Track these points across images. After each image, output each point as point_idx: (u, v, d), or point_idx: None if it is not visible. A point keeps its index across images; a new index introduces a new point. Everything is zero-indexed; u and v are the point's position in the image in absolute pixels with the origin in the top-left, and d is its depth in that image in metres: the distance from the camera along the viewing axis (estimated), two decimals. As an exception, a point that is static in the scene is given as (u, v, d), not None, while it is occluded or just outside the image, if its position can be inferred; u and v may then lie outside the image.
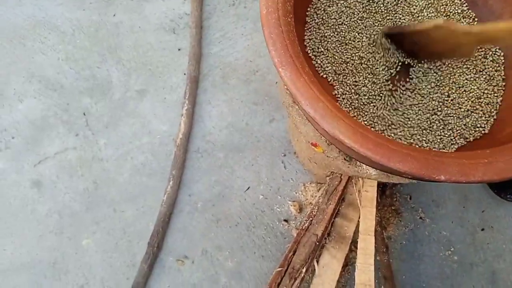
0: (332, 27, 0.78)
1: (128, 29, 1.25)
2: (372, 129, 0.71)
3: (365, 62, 0.76)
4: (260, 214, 1.11)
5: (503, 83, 0.75)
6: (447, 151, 0.71)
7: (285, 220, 1.10)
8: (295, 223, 1.10)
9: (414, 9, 0.81)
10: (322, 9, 0.79)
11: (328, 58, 0.76)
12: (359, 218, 0.96)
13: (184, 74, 1.20)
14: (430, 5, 0.81)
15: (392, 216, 1.10)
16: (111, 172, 1.12)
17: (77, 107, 1.17)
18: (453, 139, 0.72)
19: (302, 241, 0.99)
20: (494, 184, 1.10)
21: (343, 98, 0.73)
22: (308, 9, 0.78)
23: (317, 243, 0.97)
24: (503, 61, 0.77)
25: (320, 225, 0.98)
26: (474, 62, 0.77)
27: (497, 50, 0.77)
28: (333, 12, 0.79)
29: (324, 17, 0.78)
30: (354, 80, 0.75)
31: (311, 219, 1.01)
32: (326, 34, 0.77)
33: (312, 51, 0.76)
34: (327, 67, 0.76)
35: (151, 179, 1.12)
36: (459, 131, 0.72)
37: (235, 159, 1.14)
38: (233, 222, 1.10)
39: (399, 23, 0.80)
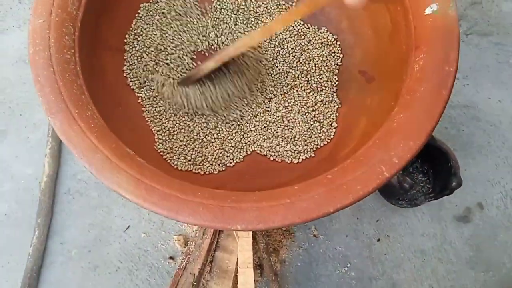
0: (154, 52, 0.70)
1: (-17, 66, 1.13)
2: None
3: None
4: (143, 254, 1.01)
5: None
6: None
7: (171, 258, 1.01)
8: (179, 264, 1.01)
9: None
10: (144, 34, 0.70)
11: (152, 88, 0.68)
12: (239, 248, 0.89)
13: (49, 108, 1.09)
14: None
15: (284, 237, 1.03)
16: (-30, 228, 1.00)
17: None
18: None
19: (180, 283, 0.90)
20: (383, 191, 1.05)
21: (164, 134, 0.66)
22: (127, 36, 0.69)
23: (195, 283, 0.89)
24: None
25: (197, 263, 0.90)
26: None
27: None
28: (157, 37, 0.71)
29: (146, 43, 0.70)
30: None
31: (188, 256, 0.92)
32: (148, 62, 0.69)
33: (133, 83, 0.68)
34: (153, 99, 0.68)
35: (16, 230, 1.00)
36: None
37: (111, 197, 1.04)
38: (113, 267, 1.00)
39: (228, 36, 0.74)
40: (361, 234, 1.05)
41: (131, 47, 0.69)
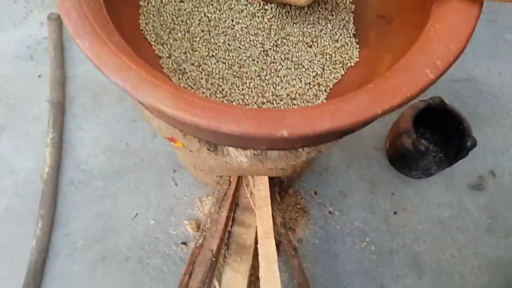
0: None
1: (-21, 63, 1.10)
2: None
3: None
4: (153, 241, 0.96)
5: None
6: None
7: (183, 243, 0.97)
8: (194, 243, 0.96)
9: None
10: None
11: (169, 42, 0.67)
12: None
13: (48, 101, 1.06)
14: None
15: (299, 215, 1.00)
16: (-31, 225, 0.94)
17: None
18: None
19: (198, 260, 0.85)
20: (396, 162, 1.04)
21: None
22: (142, -9, 0.69)
23: (213, 259, 0.84)
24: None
25: (215, 238, 0.86)
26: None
27: None
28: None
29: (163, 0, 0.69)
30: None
31: (204, 233, 0.88)
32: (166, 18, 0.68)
33: (150, 37, 0.66)
34: (173, 54, 0.66)
35: (19, 224, 0.95)
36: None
37: (117, 185, 1.00)
38: (123, 256, 0.94)
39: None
40: (377, 208, 1.02)
41: (146, 3, 0.68)
